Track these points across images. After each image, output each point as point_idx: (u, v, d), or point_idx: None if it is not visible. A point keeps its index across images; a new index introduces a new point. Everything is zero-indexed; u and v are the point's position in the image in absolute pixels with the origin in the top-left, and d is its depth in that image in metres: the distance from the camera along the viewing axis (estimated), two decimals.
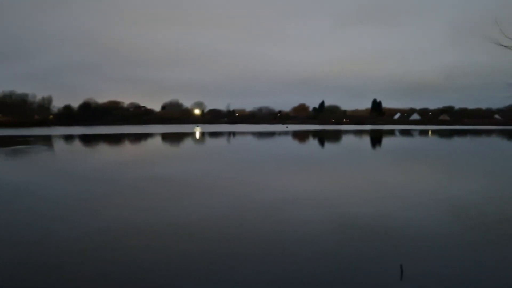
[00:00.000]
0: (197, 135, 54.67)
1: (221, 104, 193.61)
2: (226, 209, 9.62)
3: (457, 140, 46.32)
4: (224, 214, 9.12)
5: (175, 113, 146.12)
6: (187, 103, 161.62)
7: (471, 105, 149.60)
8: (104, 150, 31.19)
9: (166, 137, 51.01)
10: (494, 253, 6.55)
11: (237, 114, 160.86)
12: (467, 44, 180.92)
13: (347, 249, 6.72)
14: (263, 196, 11.28)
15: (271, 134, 58.74)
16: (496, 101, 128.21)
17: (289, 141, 43.50)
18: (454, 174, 16.72)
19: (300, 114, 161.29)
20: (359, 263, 6.04)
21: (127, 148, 33.32)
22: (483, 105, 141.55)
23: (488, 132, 68.17)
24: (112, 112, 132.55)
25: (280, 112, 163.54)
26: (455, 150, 31.28)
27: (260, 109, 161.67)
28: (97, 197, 11.15)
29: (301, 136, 53.22)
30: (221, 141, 42.53)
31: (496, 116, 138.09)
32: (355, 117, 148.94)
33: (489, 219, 8.64)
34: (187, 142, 40.71)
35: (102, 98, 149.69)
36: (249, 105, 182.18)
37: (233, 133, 60.16)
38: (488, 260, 6.19)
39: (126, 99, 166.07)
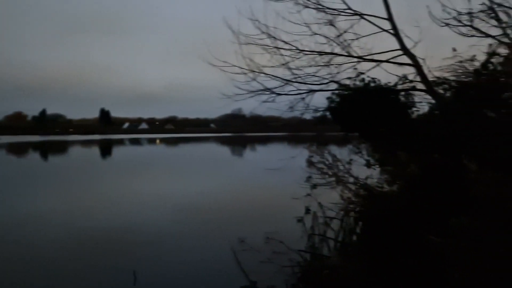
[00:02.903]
0: None
1: None
2: None
3: (180, 147, 51.37)
4: None
5: None
6: None
7: (192, 115, 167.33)
8: None
9: None
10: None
11: None
12: (187, 61, 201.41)
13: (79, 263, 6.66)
14: None
15: None
16: (211, 112, 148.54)
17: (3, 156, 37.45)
18: (174, 177, 18.71)
19: (16, 123, 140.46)
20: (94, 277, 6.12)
21: None
22: (202, 116, 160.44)
23: (206, 139, 78.25)
24: None
25: None
26: (179, 155, 34.71)
27: None
28: None
29: (18, 150, 46.36)
30: None
31: (212, 125, 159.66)
32: (83, 127, 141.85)
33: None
34: None
35: None
36: None
37: None
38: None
39: None
